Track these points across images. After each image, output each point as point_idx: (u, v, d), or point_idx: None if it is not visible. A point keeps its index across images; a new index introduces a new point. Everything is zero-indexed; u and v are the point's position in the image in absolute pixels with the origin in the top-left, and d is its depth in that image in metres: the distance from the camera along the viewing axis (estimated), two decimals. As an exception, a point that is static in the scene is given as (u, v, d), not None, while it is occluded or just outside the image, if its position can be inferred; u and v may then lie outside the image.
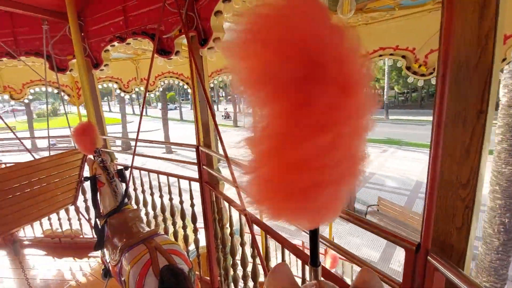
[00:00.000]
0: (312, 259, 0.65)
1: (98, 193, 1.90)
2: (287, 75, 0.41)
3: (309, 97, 0.41)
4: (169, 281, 1.28)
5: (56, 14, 2.65)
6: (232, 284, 2.07)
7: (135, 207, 2.64)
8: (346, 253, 0.97)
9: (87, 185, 2.90)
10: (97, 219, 1.98)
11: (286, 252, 1.37)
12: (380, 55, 3.17)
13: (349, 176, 0.47)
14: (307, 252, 1.30)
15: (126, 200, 1.88)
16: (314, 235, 0.61)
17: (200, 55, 1.91)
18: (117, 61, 5.09)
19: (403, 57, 3.02)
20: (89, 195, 3.26)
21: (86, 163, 2.11)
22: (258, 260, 1.75)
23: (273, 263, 1.72)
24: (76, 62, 2.60)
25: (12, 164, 2.47)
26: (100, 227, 1.86)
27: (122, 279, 1.44)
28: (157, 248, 1.42)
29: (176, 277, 1.31)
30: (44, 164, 2.29)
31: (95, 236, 3.26)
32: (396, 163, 14.68)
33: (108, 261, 1.72)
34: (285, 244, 1.34)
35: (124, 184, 1.96)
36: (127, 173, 2.08)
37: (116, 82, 5.31)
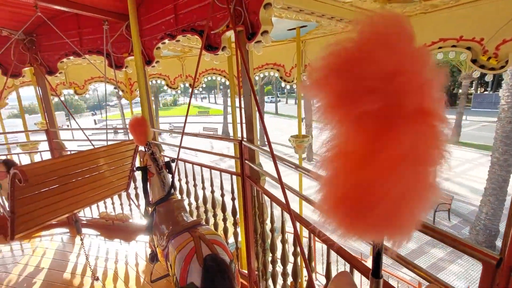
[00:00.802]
0: (374, 270, 0.62)
1: (148, 183, 2.02)
2: (367, 104, 0.43)
3: (389, 126, 0.43)
4: (212, 270, 1.32)
5: (115, 15, 2.87)
6: (270, 280, 2.06)
7: (180, 197, 2.77)
8: (414, 267, 0.88)
9: (137, 174, 3.13)
10: (147, 207, 2.11)
11: (332, 254, 1.30)
12: (440, 47, 2.87)
13: (422, 200, 0.47)
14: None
15: (172, 190, 1.97)
16: (378, 250, 0.59)
17: (246, 49, 1.91)
18: (165, 58, 5.39)
19: (468, 48, 2.68)
20: (138, 183, 3.52)
21: (138, 154, 2.26)
22: (299, 259, 1.71)
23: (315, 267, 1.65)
24: (134, 59, 2.78)
25: (75, 152, 2.75)
26: (149, 214, 1.97)
27: (169, 263, 1.52)
28: (200, 238, 1.46)
29: (219, 266, 1.34)
30: (102, 152, 2.50)
31: (144, 222, 3.50)
32: None
33: (155, 245, 1.83)
34: (332, 246, 1.28)
35: (170, 175, 2.06)
36: (174, 165, 2.18)
37: (164, 79, 5.63)
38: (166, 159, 2.36)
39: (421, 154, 0.44)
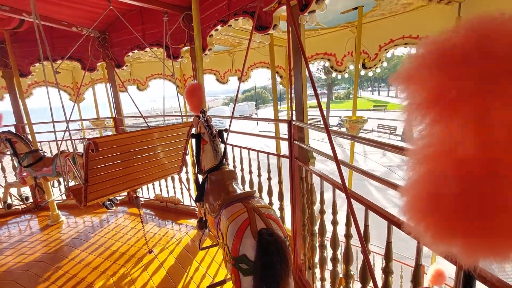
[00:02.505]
0: None
1: (201, 150, 2.04)
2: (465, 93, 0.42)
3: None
4: (268, 245, 1.23)
5: (173, 7, 3.07)
6: (318, 266, 1.95)
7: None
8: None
9: (187, 158, 3.30)
10: (198, 174, 2.14)
11: (395, 230, 1.16)
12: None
13: None
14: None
15: (224, 160, 1.97)
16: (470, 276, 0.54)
17: (299, 23, 1.85)
18: (216, 54, 5.62)
19: None
20: (189, 168, 3.71)
21: (193, 123, 2.26)
22: (351, 242, 1.57)
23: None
24: (196, 49, 2.89)
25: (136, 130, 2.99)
26: (201, 182, 2.00)
27: (220, 232, 1.51)
28: (254, 210, 1.39)
29: (276, 242, 1.25)
30: (158, 133, 2.68)
31: (193, 204, 3.67)
32: None
33: (206, 213, 1.85)
34: (396, 223, 1.14)
35: (223, 145, 2.06)
36: (226, 135, 2.14)
37: (215, 74, 5.87)
38: (220, 129, 2.32)
39: None
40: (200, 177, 2.07)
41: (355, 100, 3.52)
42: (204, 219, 1.99)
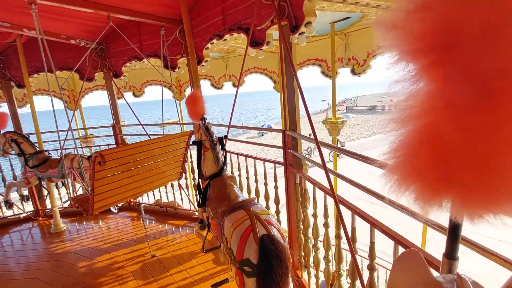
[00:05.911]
0: (449, 250, 0.57)
1: (202, 157, 2.12)
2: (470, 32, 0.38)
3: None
4: (270, 251, 1.34)
5: (170, 20, 3.20)
6: (313, 266, 2.11)
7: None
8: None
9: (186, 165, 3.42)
10: (200, 180, 2.23)
11: (377, 233, 1.32)
12: None
13: None
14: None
15: (224, 167, 2.06)
16: (456, 225, 0.54)
17: (290, 41, 2.01)
18: (210, 60, 5.73)
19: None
20: (188, 174, 3.84)
21: (193, 129, 2.32)
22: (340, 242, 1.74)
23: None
24: (190, 59, 3.01)
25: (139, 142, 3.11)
26: (203, 187, 2.11)
27: (224, 237, 1.61)
28: (255, 216, 1.49)
29: (276, 249, 1.35)
30: (158, 143, 2.80)
31: (192, 208, 3.78)
32: None
33: (209, 217, 1.95)
34: (377, 225, 1.30)
35: (223, 151, 2.13)
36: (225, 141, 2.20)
37: (209, 79, 5.99)
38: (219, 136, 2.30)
39: None
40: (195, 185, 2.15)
41: (334, 104, 3.73)
42: (206, 222, 2.08)
